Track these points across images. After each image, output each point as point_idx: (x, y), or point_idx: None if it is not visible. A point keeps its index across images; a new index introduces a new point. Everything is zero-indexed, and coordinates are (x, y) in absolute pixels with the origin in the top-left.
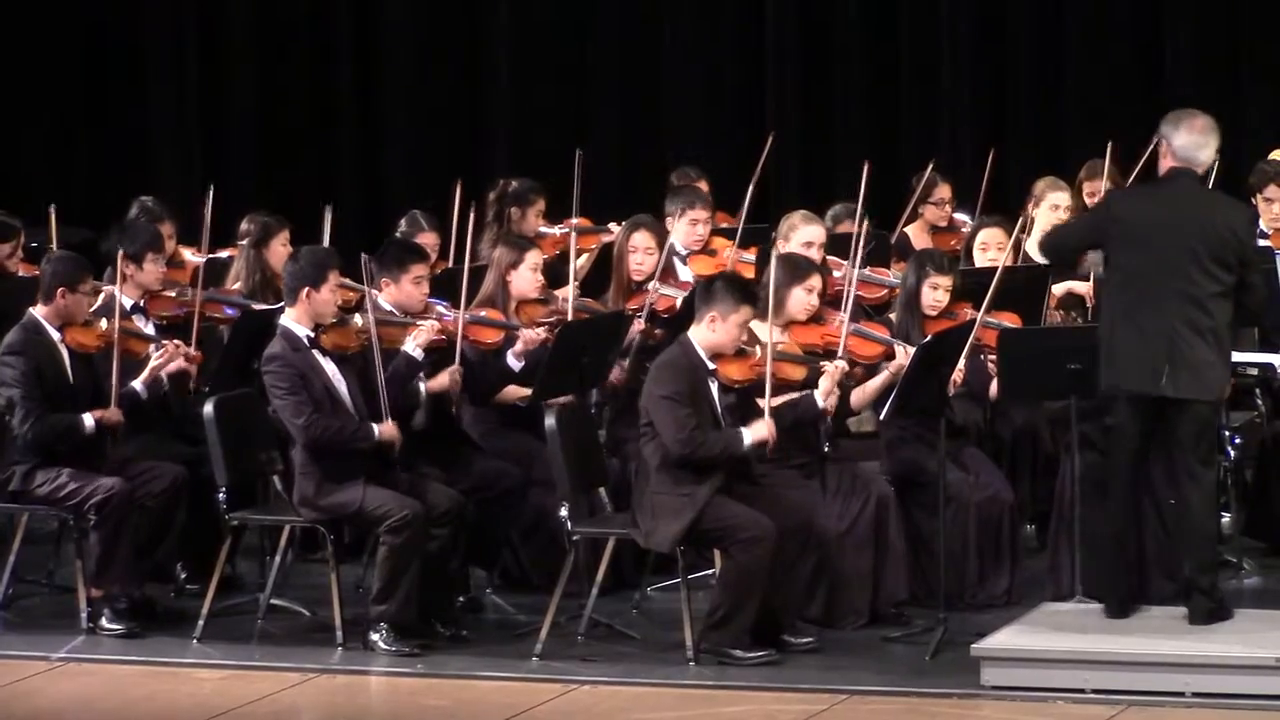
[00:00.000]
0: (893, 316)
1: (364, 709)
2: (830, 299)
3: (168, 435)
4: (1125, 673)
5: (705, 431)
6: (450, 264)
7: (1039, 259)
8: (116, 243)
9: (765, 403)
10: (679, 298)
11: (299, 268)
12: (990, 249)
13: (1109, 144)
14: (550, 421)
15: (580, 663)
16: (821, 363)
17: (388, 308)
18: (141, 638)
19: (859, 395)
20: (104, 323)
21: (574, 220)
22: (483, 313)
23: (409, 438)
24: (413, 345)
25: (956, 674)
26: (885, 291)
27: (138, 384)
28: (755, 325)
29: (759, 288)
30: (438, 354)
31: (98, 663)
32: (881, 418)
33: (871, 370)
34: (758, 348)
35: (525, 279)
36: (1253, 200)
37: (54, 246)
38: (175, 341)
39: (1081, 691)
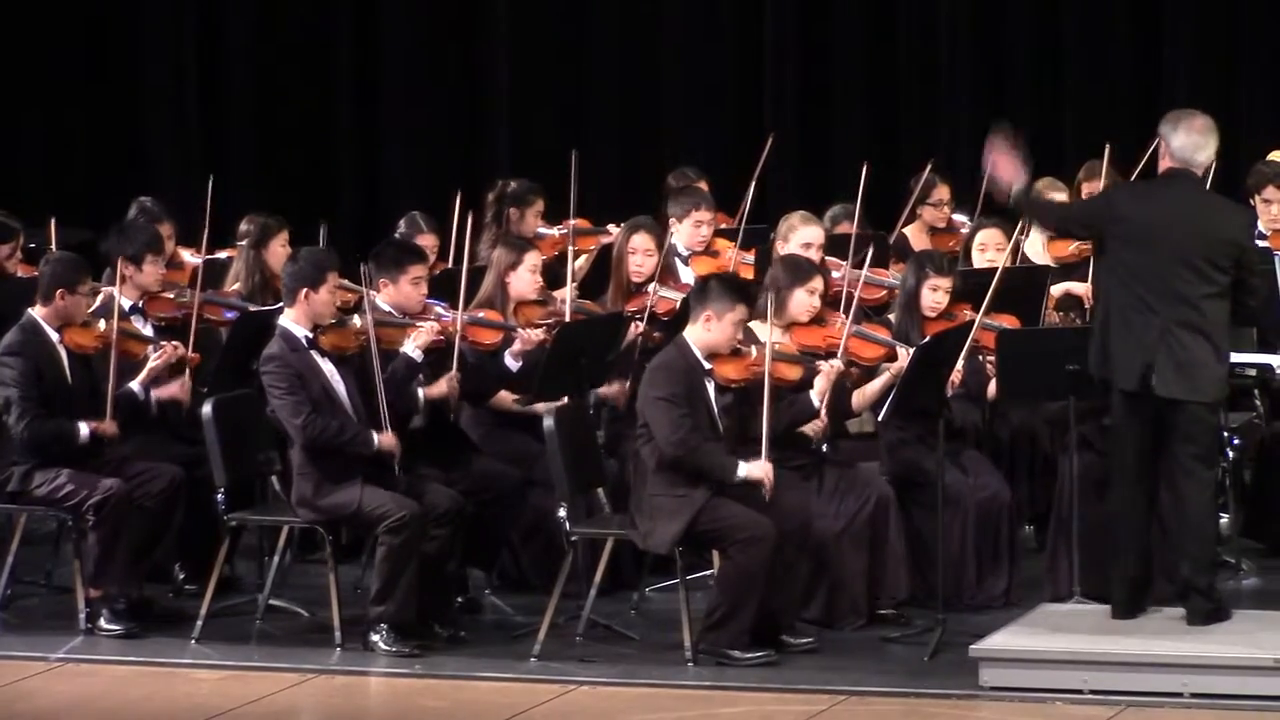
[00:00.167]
0: (892, 317)
1: (362, 710)
2: (830, 300)
3: (166, 436)
4: (1123, 673)
5: (701, 436)
6: (449, 265)
7: (1037, 260)
8: (115, 244)
9: (765, 414)
10: (679, 299)
11: (298, 268)
12: (989, 249)
13: (1107, 146)
14: (549, 422)
15: (578, 663)
16: (817, 362)
17: (386, 309)
18: (140, 638)
19: (859, 397)
20: (102, 324)
21: (572, 221)
22: (481, 314)
23: (408, 439)
24: (412, 346)
25: (955, 675)
26: (884, 292)
27: (135, 384)
28: (756, 326)
29: (759, 289)
30: (436, 354)
31: (96, 663)
32: (880, 419)
33: (871, 372)
34: (754, 347)
35: (524, 280)
36: (1251, 201)
37: (53, 247)
38: (174, 343)
39: (1080, 692)
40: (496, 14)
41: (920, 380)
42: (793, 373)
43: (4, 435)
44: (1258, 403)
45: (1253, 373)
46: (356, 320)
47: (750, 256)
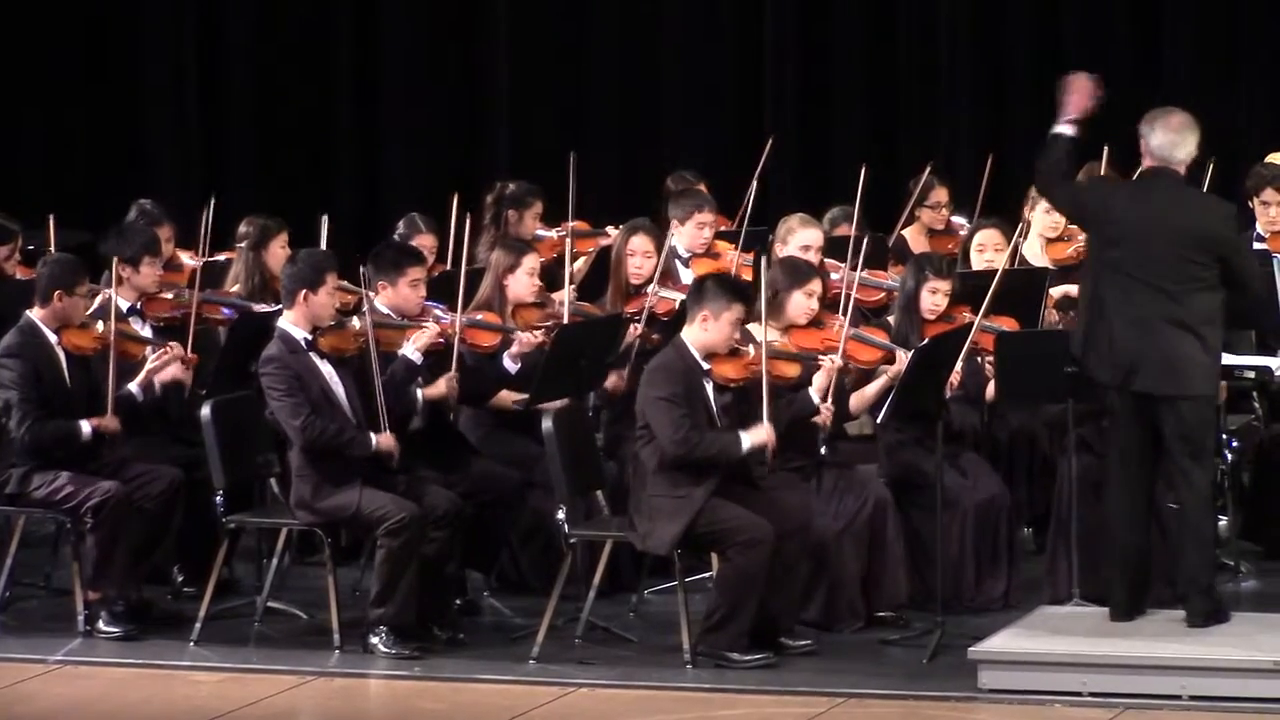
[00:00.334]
0: (890, 320)
1: (361, 712)
2: (829, 303)
3: (165, 438)
4: (1122, 675)
5: (701, 432)
6: (448, 266)
7: (1036, 262)
8: (113, 245)
9: (764, 404)
10: (679, 301)
11: (297, 270)
12: (987, 250)
13: (1105, 147)
14: (547, 425)
15: (577, 665)
16: (818, 359)
17: (385, 310)
18: (138, 640)
19: (858, 399)
20: (100, 325)
21: (570, 223)
22: (479, 315)
23: (407, 441)
24: (411, 348)
25: (954, 677)
26: (883, 295)
27: (134, 386)
28: (753, 328)
29: (757, 291)
30: (435, 356)
31: (95, 665)
32: (879, 421)
33: (869, 375)
34: (751, 346)
35: (522, 283)
36: (1250, 203)
37: (51, 249)
38: (172, 344)
39: (1079, 694)
40: (496, 14)
41: (919, 382)
42: (791, 370)
43: (2, 437)
44: (1256, 405)
45: (1251, 375)
46: (355, 322)
47: (751, 258)
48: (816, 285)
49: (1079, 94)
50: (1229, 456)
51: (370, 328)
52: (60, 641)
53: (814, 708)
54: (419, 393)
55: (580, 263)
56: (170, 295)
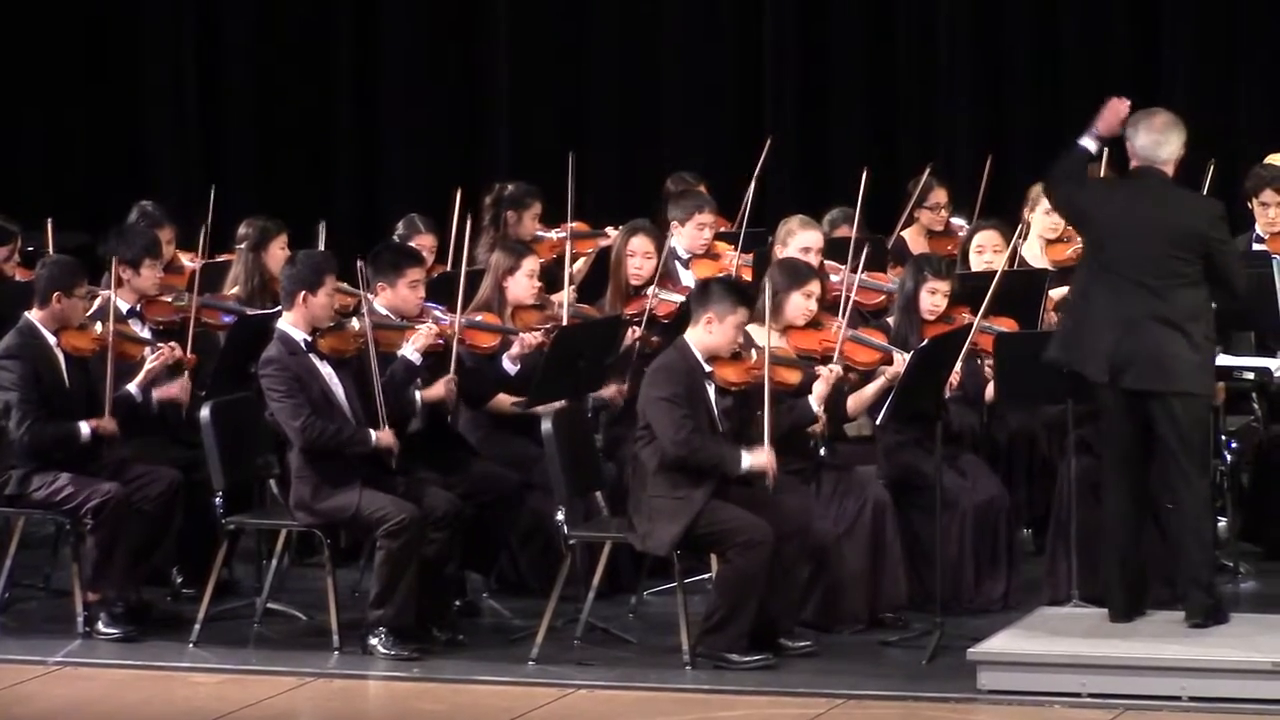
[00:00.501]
0: (890, 321)
1: (360, 713)
2: (828, 304)
3: (164, 439)
4: (1122, 677)
5: (703, 436)
6: (448, 267)
7: (1035, 263)
8: (113, 247)
9: (766, 415)
10: (679, 302)
11: (296, 271)
12: (986, 251)
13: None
14: (547, 426)
15: (577, 667)
16: (817, 367)
17: (384, 312)
18: (138, 642)
19: (855, 401)
20: (99, 326)
21: (570, 224)
22: (479, 317)
23: (406, 442)
24: (410, 349)
25: (953, 678)
26: (883, 297)
27: (132, 387)
28: (753, 330)
29: (757, 292)
30: (434, 357)
31: (94, 667)
32: (878, 422)
33: (867, 376)
34: (754, 351)
35: (522, 285)
36: (1249, 204)
37: (50, 250)
38: (170, 344)
39: (1078, 696)
40: (496, 15)
41: (918, 384)
42: (792, 377)
43: (2, 439)
44: (1255, 406)
45: (1250, 376)
46: (355, 323)
47: (751, 259)
48: (815, 286)
49: (1112, 115)
50: (1228, 457)
51: (369, 329)
52: (59, 643)
53: (813, 709)
54: (417, 395)
55: (580, 263)
56: (170, 299)
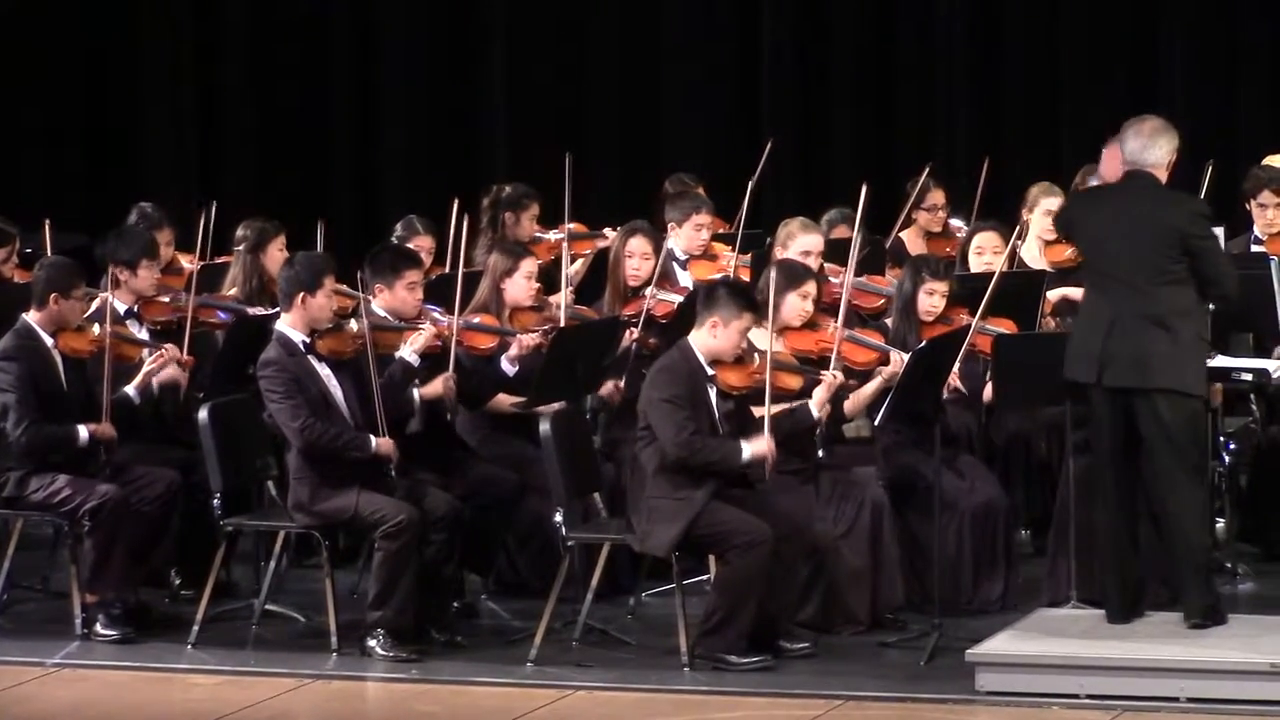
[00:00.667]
0: (889, 322)
1: (359, 714)
2: (826, 306)
3: (163, 441)
4: (1120, 678)
5: (704, 437)
6: (446, 269)
7: (1034, 265)
8: (111, 249)
9: (765, 415)
10: (677, 303)
11: (294, 273)
12: (985, 253)
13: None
14: (545, 427)
15: (575, 668)
16: (820, 373)
17: (382, 313)
18: (136, 643)
19: (852, 401)
20: (97, 328)
21: (568, 225)
22: (477, 318)
23: (404, 444)
24: (409, 350)
25: (951, 679)
26: (883, 301)
27: (130, 389)
28: (754, 334)
29: (763, 298)
30: (432, 359)
31: (92, 668)
32: (876, 423)
33: (864, 376)
34: (756, 355)
35: (520, 286)
36: (1247, 206)
37: (49, 252)
38: (168, 346)
39: (1076, 697)
40: (494, 16)
41: (917, 385)
42: (794, 382)
43: (0, 440)
44: (1254, 407)
45: (1248, 377)
46: (353, 324)
47: (747, 259)
48: (811, 287)
49: (1111, 163)
50: (1226, 459)
51: (368, 330)
52: (58, 644)
53: (812, 710)
54: (415, 393)
55: (578, 265)
56: (167, 299)
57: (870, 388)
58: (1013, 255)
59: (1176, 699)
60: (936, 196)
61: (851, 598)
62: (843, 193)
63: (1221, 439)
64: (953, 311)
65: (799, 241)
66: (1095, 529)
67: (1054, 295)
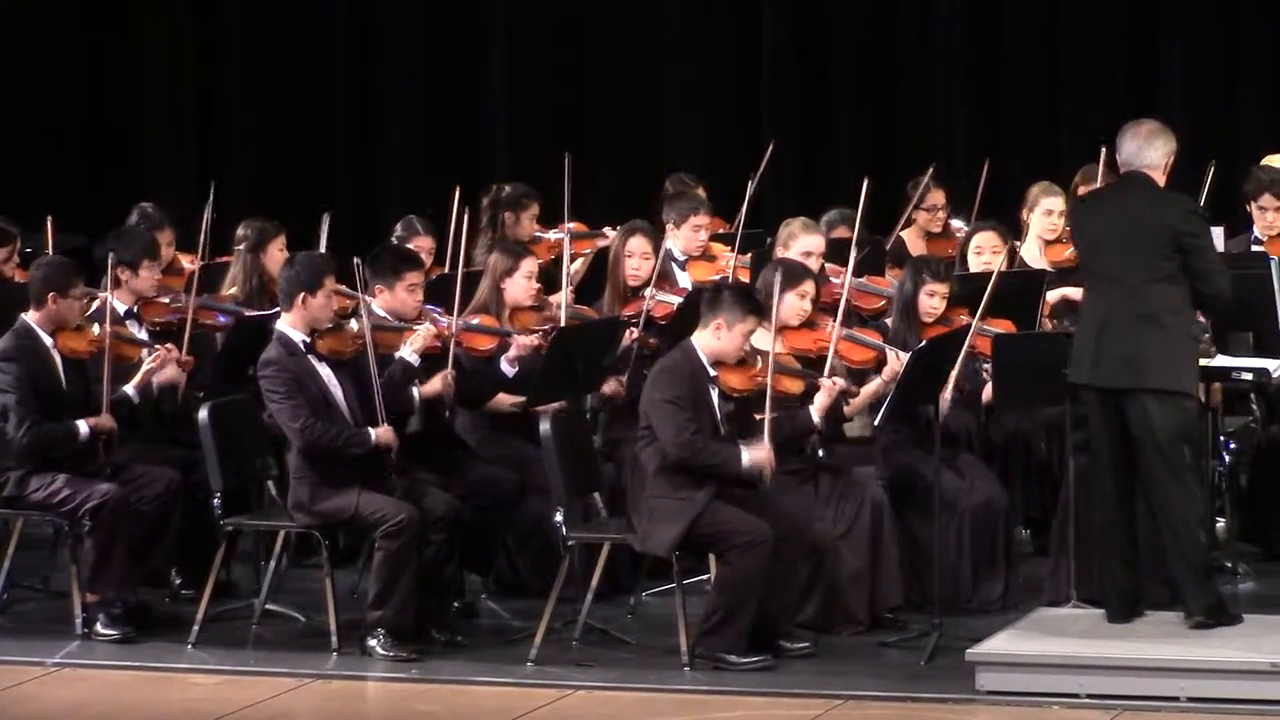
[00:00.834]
0: (889, 323)
1: (359, 714)
2: (826, 306)
3: (163, 440)
4: (1120, 677)
5: (705, 439)
6: (445, 269)
7: (1035, 264)
8: (111, 248)
9: (766, 420)
10: (676, 304)
11: (295, 273)
12: (985, 252)
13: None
14: (545, 427)
15: (575, 668)
16: (820, 379)
17: (382, 313)
18: (136, 643)
19: (852, 401)
20: (96, 328)
21: (568, 225)
22: (476, 319)
23: (404, 443)
24: (409, 350)
25: (951, 679)
26: (884, 302)
27: (129, 388)
28: (756, 336)
29: (766, 301)
30: (431, 359)
31: (92, 668)
32: (876, 423)
33: (862, 376)
34: (758, 358)
35: (520, 286)
36: (1247, 207)
37: (49, 252)
38: (167, 346)
39: (1076, 696)
40: (494, 15)
41: (917, 385)
42: (795, 387)
43: (0, 440)
44: (1254, 407)
45: (1249, 377)
46: (354, 324)
47: (749, 260)
48: (809, 286)
49: None
50: (1227, 458)
51: (368, 330)
52: (58, 644)
53: (812, 709)
54: (415, 391)
55: (578, 264)
56: (167, 299)
57: (869, 388)
58: (1012, 256)
59: (1177, 699)
60: (936, 197)
61: (851, 598)
62: (843, 193)
63: (1222, 438)
64: (953, 312)
65: (800, 242)
66: (1095, 528)
67: (1053, 296)
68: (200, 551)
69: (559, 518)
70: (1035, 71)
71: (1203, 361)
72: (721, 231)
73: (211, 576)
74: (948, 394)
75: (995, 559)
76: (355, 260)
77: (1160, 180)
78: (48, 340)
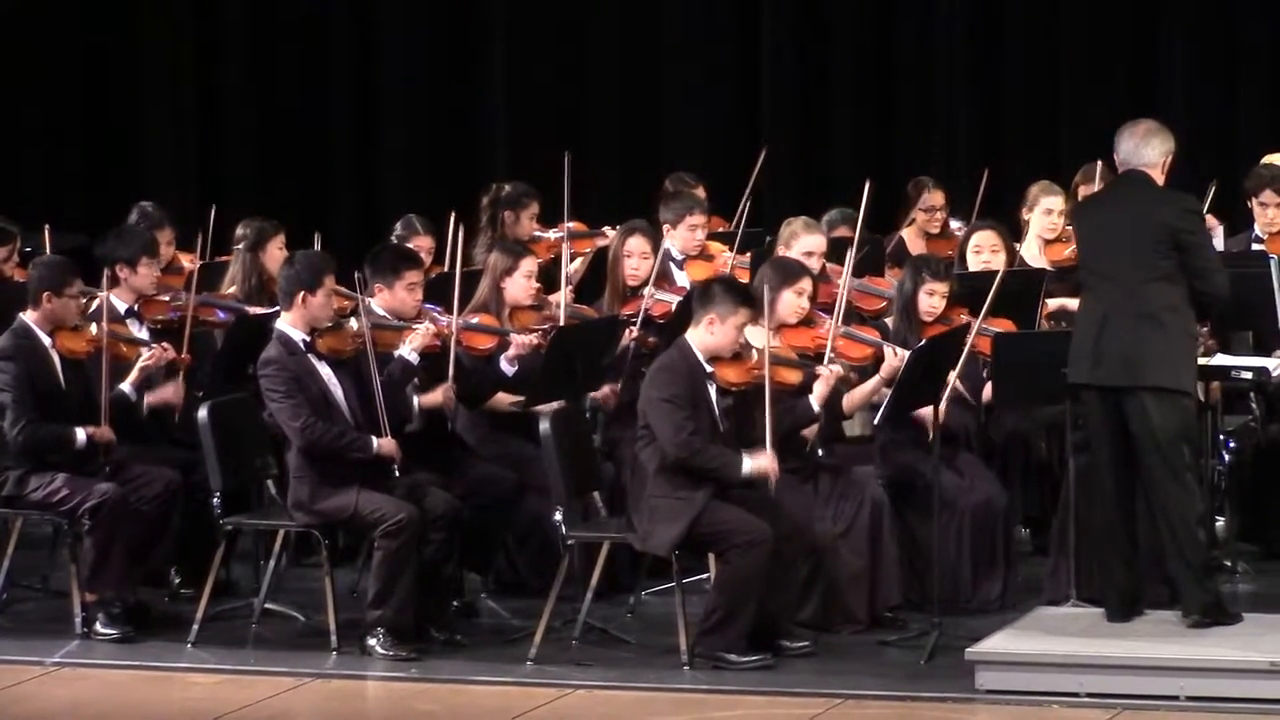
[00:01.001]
0: (888, 322)
1: (358, 713)
2: (825, 305)
3: (162, 440)
4: (1120, 676)
5: (704, 439)
6: (445, 268)
7: (1035, 263)
8: (111, 247)
9: (767, 417)
10: (675, 303)
11: (295, 272)
12: (984, 251)
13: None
14: (545, 426)
15: (574, 667)
16: (817, 368)
17: (381, 313)
18: (136, 642)
19: (849, 400)
20: (94, 327)
21: (567, 224)
22: (475, 318)
23: (404, 443)
24: (408, 349)
25: (951, 678)
26: (884, 303)
27: (126, 385)
28: (750, 331)
29: (759, 294)
30: (431, 358)
31: (92, 667)
32: (876, 422)
33: (860, 373)
34: (754, 351)
35: (519, 286)
36: (1248, 204)
37: (48, 251)
38: (163, 345)
39: (1076, 695)
40: (494, 15)
41: (917, 384)
42: (793, 377)
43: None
44: (1254, 406)
45: (1248, 376)
46: (353, 323)
47: (746, 260)
48: (806, 284)
49: None
50: (1227, 457)
51: (367, 329)
52: (58, 643)
53: (811, 709)
54: (415, 400)
55: (577, 263)
56: (167, 298)
57: (867, 387)
58: (1012, 256)
59: (1176, 697)
60: (936, 198)
61: (851, 597)
62: (843, 193)
63: (1221, 437)
64: (953, 312)
65: (802, 242)
66: (1095, 527)
67: (1053, 304)
68: (200, 551)
69: (558, 517)
70: (1035, 71)
71: (1202, 360)
72: (721, 230)
73: (211, 576)
74: (947, 394)
75: (995, 558)
76: (356, 275)
77: (1159, 179)
78: (46, 340)
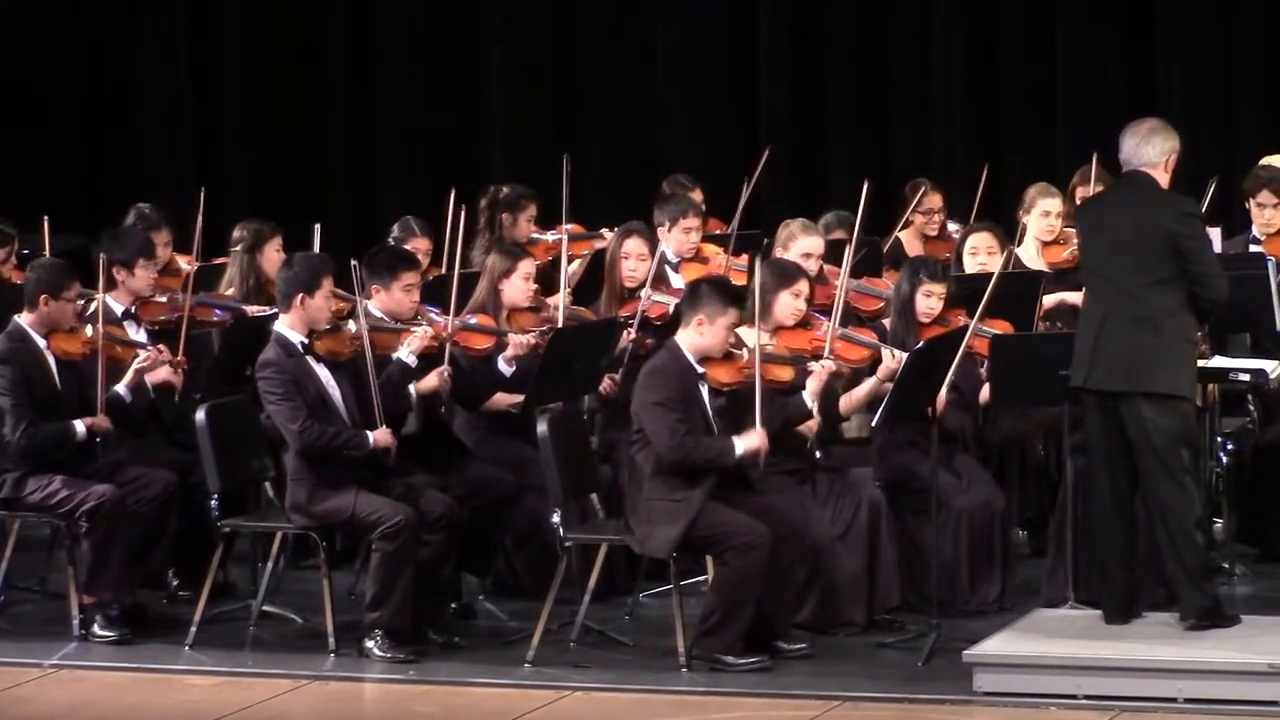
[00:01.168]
0: (886, 324)
1: (356, 715)
2: (820, 307)
3: (160, 441)
4: (1117, 678)
5: (697, 437)
6: (443, 270)
7: (1032, 265)
8: (108, 248)
9: (756, 408)
10: (671, 305)
11: (293, 274)
12: (980, 253)
13: (1095, 152)
14: (542, 428)
15: (572, 669)
16: (809, 363)
17: (378, 314)
18: (133, 644)
19: (847, 401)
20: (89, 330)
21: (565, 226)
22: (473, 319)
23: (401, 443)
24: (406, 351)
25: (949, 680)
26: (882, 304)
27: (121, 388)
28: (743, 331)
29: (748, 294)
30: (428, 360)
31: (90, 669)
32: (874, 424)
33: (858, 374)
34: (745, 350)
35: (517, 288)
36: (1246, 205)
37: (47, 253)
38: (159, 346)
39: (1074, 697)
40: (492, 17)
41: (915, 385)
42: (784, 374)
43: None
44: (1251, 408)
45: (1246, 378)
46: (351, 325)
47: (741, 262)
48: (803, 286)
49: None
50: (1224, 459)
51: (365, 331)
52: (55, 645)
53: (809, 710)
54: (411, 388)
55: (575, 265)
56: (165, 299)
57: (864, 388)
58: (1009, 262)
59: (1174, 699)
60: (933, 200)
61: (849, 599)
62: (840, 195)
63: (1219, 439)
64: (950, 313)
65: (800, 243)
66: (1093, 530)
67: (1051, 300)
68: (197, 553)
69: (556, 519)
70: (1034, 72)
71: (1200, 362)
72: (719, 232)
73: (209, 578)
74: (943, 394)
75: (992, 560)
76: (353, 263)
77: (1162, 179)
78: (41, 342)
